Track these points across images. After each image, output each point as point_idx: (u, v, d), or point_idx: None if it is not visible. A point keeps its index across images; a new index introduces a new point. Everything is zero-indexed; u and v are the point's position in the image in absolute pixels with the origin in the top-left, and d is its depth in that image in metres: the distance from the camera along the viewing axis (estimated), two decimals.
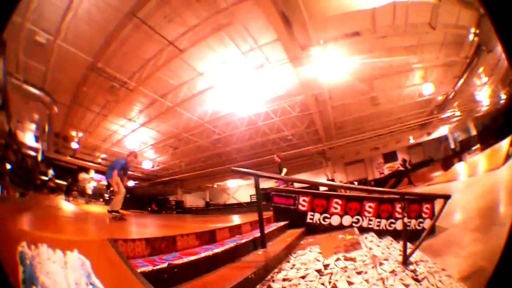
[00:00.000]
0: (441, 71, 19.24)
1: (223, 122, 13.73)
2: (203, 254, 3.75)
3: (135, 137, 12.28)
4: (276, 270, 4.25)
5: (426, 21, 14.00)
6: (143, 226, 8.35)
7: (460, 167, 25.74)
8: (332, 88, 14.28)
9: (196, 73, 10.90)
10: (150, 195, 14.27)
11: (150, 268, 2.87)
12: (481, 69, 21.05)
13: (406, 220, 7.15)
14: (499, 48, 10.09)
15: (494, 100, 30.79)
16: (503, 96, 30.40)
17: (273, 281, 3.83)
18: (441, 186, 24.07)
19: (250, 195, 12.09)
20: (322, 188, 11.40)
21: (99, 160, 12.68)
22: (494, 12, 2.33)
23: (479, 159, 23.89)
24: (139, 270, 2.69)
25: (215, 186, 15.55)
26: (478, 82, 25.21)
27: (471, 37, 17.24)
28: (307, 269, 4.26)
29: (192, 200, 15.48)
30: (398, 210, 8.62)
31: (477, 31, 16.42)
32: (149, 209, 13.80)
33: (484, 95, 28.05)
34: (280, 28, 10.14)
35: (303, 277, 3.96)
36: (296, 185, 11.38)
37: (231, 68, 10.90)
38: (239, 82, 11.55)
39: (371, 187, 8.97)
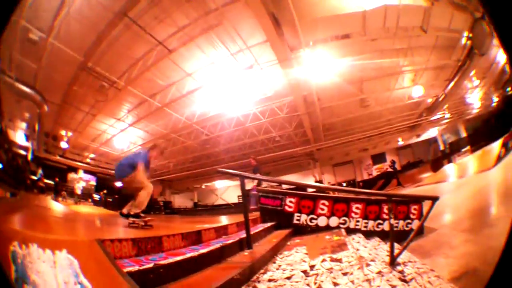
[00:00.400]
0: (432, 74, 19.41)
1: (211, 123, 13.78)
2: (188, 255, 3.83)
3: (124, 137, 12.24)
4: (262, 270, 4.30)
5: (417, 25, 14.10)
6: (131, 227, 8.35)
7: (449, 169, 25.98)
8: (321, 90, 14.40)
9: (185, 73, 10.93)
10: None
11: (136, 268, 2.95)
12: (473, 72, 21.27)
13: (393, 221, 7.27)
14: (492, 52, 10.36)
15: (485, 102, 31.03)
16: (496, 99, 30.63)
17: (259, 281, 3.88)
18: (430, 187, 24.28)
19: (238, 196, 12.17)
20: (310, 189, 11.53)
21: (88, 160, 12.66)
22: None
23: (469, 160, 24.10)
24: (125, 270, 2.77)
25: (203, 186, 15.47)
26: (470, 85, 25.43)
27: (463, 40, 17.42)
28: (293, 270, 4.31)
29: (180, 200, 15.43)
30: (386, 211, 8.60)
31: (470, 35, 16.59)
32: None
33: (476, 97, 28.29)
34: (269, 29, 10.22)
35: (288, 278, 4.02)
36: (285, 186, 11.51)
37: (219, 69, 10.96)
38: (228, 83, 11.60)
39: (359, 189, 9.02)
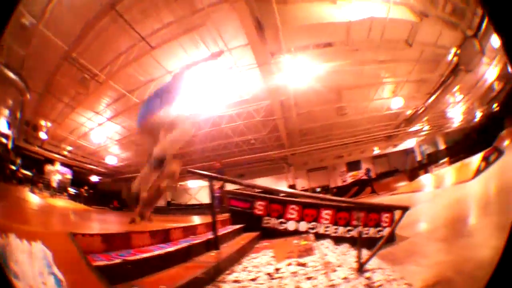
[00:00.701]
0: (413, 86, 19.58)
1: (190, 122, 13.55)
2: (156, 252, 3.96)
3: (101, 131, 12.21)
4: (227, 271, 4.39)
5: (403, 38, 14.27)
6: (103, 222, 8.39)
7: (426, 179, 26.34)
8: (299, 95, 14.45)
9: (165, 71, 10.93)
10: (113, 192, 14.06)
11: (105, 262, 3.07)
12: (456, 88, 21.54)
13: (362, 228, 7.52)
14: (480, 69, 10.66)
15: (468, 117, 31.47)
16: (479, 114, 31.09)
17: (224, 282, 3.98)
18: (405, 196, 24.59)
19: (218, 195, 12.36)
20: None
21: (65, 153, 12.59)
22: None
23: (446, 171, 24.47)
24: (95, 264, 2.88)
25: (177, 185, 15.56)
26: (452, 100, 25.76)
27: (450, 56, 17.65)
28: (258, 272, 4.40)
29: None
30: (355, 218, 8.79)
31: (458, 51, 16.82)
32: (111, 206, 13.65)
33: (457, 112, 28.65)
34: (252, 33, 10.34)
35: (253, 280, 4.10)
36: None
37: (199, 69, 11.03)
38: (206, 83, 11.56)
39: (329, 196, 9.10)
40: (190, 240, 5.47)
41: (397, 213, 7.35)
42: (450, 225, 10.13)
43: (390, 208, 9.14)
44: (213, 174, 6.26)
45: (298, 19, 10.58)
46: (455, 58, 17.61)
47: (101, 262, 3.09)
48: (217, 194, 8.96)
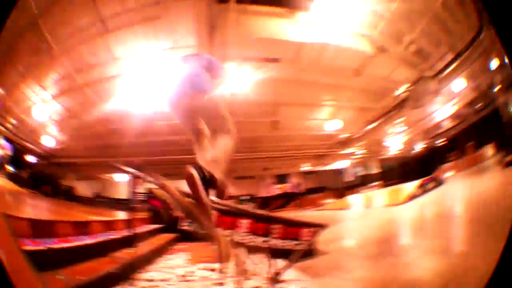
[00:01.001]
0: (353, 112, 20.05)
1: (126, 114, 13.16)
2: (77, 243, 4.26)
3: (44, 108, 11.93)
4: (142, 270, 4.67)
5: (353, 67, 14.74)
6: (34, 207, 8.36)
7: (355, 198, 27.22)
8: (236, 104, 14.75)
9: (112, 57, 10.61)
10: (46, 176, 13.58)
11: (33, 247, 3.36)
12: (400, 119, 22.32)
13: (277, 241, 7.94)
14: (429, 107, 11.32)
15: (407, 147, 32.64)
16: (421, 146, 32.32)
17: (138, 280, 4.26)
18: (332, 212, 25.36)
19: (137, 193, 12.10)
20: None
21: (9, 126, 12.28)
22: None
23: (377, 194, 25.43)
24: (24, 248, 3.12)
25: (106, 177, 15.05)
26: (392, 130, 26.64)
27: (399, 91, 18.32)
28: (171, 273, 4.75)
29: (84, 188, 14.85)
30: (274, 229, 8.90)
31: (410, 88, 17.51)
32: (43, 191, 13.18)
33: (397, 141, 29.65)
34: (203, 35, 10.37)
35: (165, 280, 4.42)
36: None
37: (145, 62, 10.73)
38: (148, 77, 11.09)
39: (248, 208, 9.00)
40: (109, 235, 5.65)
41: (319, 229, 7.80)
42: (377, 243, 10.44)
43: (308, 225, 8.95)
44: (134, 171, 6.19)
45: (252, 31, 10.78)
46: (405, 94, 18.33)
47: (29, 247, 3.33)
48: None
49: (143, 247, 5.63)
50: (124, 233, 5.66)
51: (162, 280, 4.55)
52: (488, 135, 23.93)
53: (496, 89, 19.95)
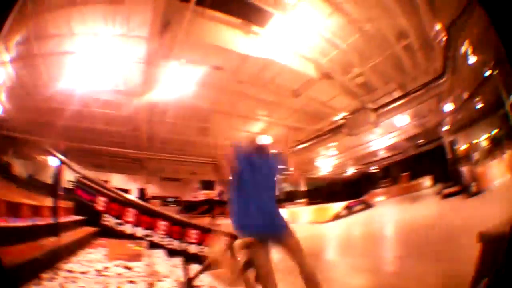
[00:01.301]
0: (285, 131, 20.67)
1: (69, 95, 13.17)
2: (6, 224, 4.40)
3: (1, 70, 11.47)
4: (64, 260, 4.78)
5: (292, 87, 15.24)
6: None
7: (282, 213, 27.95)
8: (171, 104, 15.05)
9: (71, 31, 10.67)
10: None
11: None
12: (332, 144, 23.23)
13: (187, 246, 8.25)
14: (364, 136, 11.97)
15: (338, 170, 33.90)
16: (352, 170, 33.79)
17: (59, 269, 4.38)
18: None
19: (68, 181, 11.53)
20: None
21: None
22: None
23: (302, 211, 26.29)
24: None
25: (40, 159, 14.63)
26: (324, 152, 27.64)
27: (336, 117, 19.05)
28: (90, 266, 4.90)
29: (22, 167, 14.27)
30: (191, 234, 9.44)
31: (349, 116, 18.23)
32: None
33: (328, 163, 30.83)
34: (155, 29, 10.64)
35: (84, 273, 4.58)
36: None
37: (97, 44, 10.97)
38: (95, 61, 11.60)
39: (167, 212, 9.08)
40: (37, 220, 5.63)
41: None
42: None
43: (219, 233, 9.81)
44: (63, 159, 6.19)
45: (203, 35, 11.04)
46: (342, 121, 19.10)
47: None
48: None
49: (66, 238, 5.68)
50: (50, 220, 5.64)
51: (81, 273, 4.63)
52: (428, 168, 25.45)
53: (444, 129, 21.30)
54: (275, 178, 4.10)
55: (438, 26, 12.73)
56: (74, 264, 4.91)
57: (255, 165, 3.93)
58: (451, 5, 11.97)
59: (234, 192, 3.90)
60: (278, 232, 3.80)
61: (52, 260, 4.50)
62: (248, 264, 4.08)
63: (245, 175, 3.82)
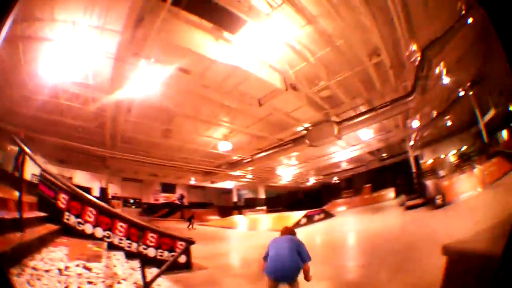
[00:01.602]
0: (247, 138, 21.45)
1: (41, 84, 13.27)
2: None
3: None
4: (29, 257, 4.87)
5: (257, 96, 15.80)
6: None
7: (240, 219, 28.35)
8: (135, 103, 15.35)
9: (52, 17, 10.62)
10: None
11: None
12: (293, 154, 23.63)
13: (145, 249, 8.39)
14: (325, 148, 12.31)
15: (299, 179, 34.34)
16: (313, 180, 34.32)
17: (25, 266, 4.48)
18: (216, 229, 26.19)
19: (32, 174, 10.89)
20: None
21: None
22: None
23: (262, 218, 26.57)
24: None
25: (8, 148, 14.42)
26: (286, 161, 28.02)
27: (299, 128, 19.40)
28: (52, 265, 4.98)
29: None
30: (149, 238, 9.69)
31: (311, 128, 18.61)
32: None
33: (289, 172, 31.23)
34: (129, 25, 10.78)
35: (47, 271, 4.66)
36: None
37: (73, 33, 11.01)
38: (69, 51, 11.62)
39: (124, 215, 8.86)
40: (2, 213, 5.59)
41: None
42: (258, 264, 11.43)
43: (176, 238, 10.18)
44: (28, 151, 6.01)
45: (175, 36, 11.20)
46: (304, 132, 19.50)
47: None
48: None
49: (30, 234, 5.69)
50: (16, 214, 5.59)
51: (45, 271, 4.68)
52: (392, 180, 26.31)
53: (410, 144, 21.99)
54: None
55: (413, 47, 13.09)
56: (38, 261, 4.93)
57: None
58: (430, 28, 12.38)
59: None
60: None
61: (19, 256, 4.57)
62: None
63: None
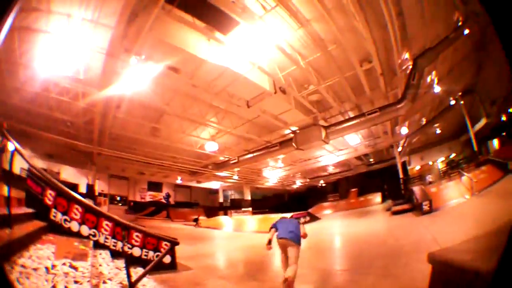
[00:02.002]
0: (234, 139, 21.78)
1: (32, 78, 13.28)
2: None
3: None
4: (18, 254, 4.89)
5: (246, 98, 15.82)
6: None
7: (226, 220, 28.46)
8: (124, 100, 15.33)
9: (49, 8, 10.57)
10: None
11: None
12: (280, 156, 23.78)
13: (127, 248, 8.43)
14: (311, 151, 12.49)
15: (284, 182, 34.50)
16: (299, 183, 34.50)
17: (15, 263, 4.52)
18: (202, 229, 26.28)
19: (22, 168, 10.62)
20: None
21: None
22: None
23: (249, 219, 26.69)
24: None
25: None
26: (273, 163, 28.18)
27: (287, 131, 19.52)
28: (40, 263, 4.99)
29: None
30: (134, 237, 9.67)
31: (298, 131, 18.72)
32: None
33: (275, 174, 31.40)
34: (122, 21, 10.85)
35: (35, 269, 4.69)
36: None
37: (67, 26, 11.03)
38: (63, 44, 11.62)
39: (110, 214, 8.72)
40: None
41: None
42: (244, 265, 11.67)
43: (160, 238, 10.12)
44: (17, 145, 6.04)
45: (167, 34, 11.22)
46: (291, 135, 19.65)
47: None
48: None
49: (18, 231, 5.67)
50: (3, 210, 5.54)
51: (33, 269, 4.70)
52: (379, 185, 26.58)
53: (398, 150, 22.25)
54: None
55: (406, 55, 13.24)
56: (26, 259, 4.96)
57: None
58: (424, 37, 12.51)
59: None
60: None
61: (8, 253, 4.59)
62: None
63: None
